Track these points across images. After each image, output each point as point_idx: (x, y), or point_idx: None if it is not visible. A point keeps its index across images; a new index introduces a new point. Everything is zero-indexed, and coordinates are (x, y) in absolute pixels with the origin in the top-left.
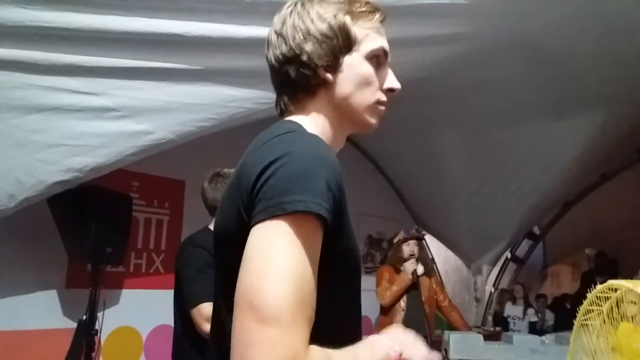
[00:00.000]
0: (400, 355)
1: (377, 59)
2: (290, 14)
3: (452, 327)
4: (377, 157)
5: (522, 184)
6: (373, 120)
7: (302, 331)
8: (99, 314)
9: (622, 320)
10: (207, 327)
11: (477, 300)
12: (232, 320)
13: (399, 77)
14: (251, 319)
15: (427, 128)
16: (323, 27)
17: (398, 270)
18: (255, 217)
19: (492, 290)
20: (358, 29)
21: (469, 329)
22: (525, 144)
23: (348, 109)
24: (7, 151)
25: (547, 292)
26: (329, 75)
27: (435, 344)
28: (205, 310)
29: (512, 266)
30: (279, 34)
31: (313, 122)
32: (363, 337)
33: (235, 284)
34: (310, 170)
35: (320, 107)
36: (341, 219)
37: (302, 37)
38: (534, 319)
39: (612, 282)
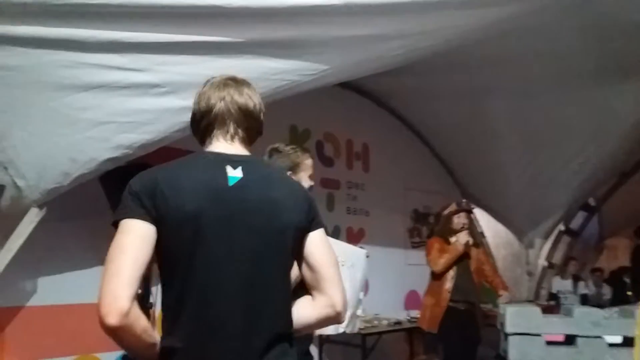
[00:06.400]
0: None
1: None
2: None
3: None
4: (423, 130)
5: (577, 154)
6: None
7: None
8: (153, 288)
9: None
10: None
11: (529, 274)
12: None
13: (444, 43)
14: None
15: (477, 97)
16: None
17: (448, 241)
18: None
19: (545, 264)
20: None
21: (506, 288)
22: (580, 112)
23: None
24: (60, 129)
25: (604, 266)
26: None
27: (488, 317)
28: None
29: (565, 239)
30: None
31: None
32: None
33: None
34: None
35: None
36: None
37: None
38: (585, 291)
39: None
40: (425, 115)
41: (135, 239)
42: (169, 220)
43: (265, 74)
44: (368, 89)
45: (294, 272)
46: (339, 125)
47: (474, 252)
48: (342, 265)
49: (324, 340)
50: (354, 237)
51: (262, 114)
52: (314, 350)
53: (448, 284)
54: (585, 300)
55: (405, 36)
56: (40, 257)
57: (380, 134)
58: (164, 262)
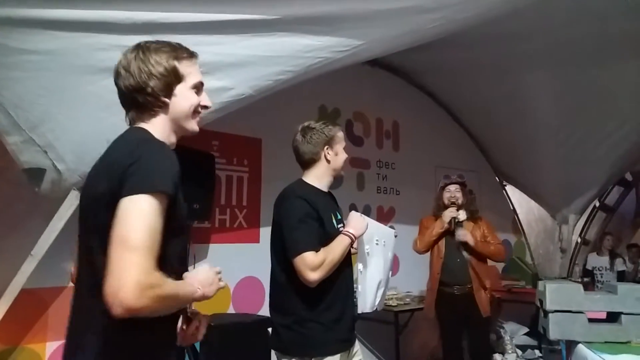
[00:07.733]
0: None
1: (197, 87)
2: (135, 59)
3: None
4: (454, 107)
5: (615, 129)
6: (194, 126)
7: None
8: (190, 268)
9: None
10: (310, 275)
11: (563, 251)
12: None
13: (483, 14)
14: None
15: (510, 71)
16: (160, 69)
17: (438, 218)
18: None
19: (579, 240)
20: (183, 68)
21: (501, 254)
22: (619, 84)
23: (179, 121)
24: (97, 113)
25: None
26: (166, 100)
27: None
28: (308, 259)
29: (600, 215)
30: (127, 70)
31: (156, 130)
32: None
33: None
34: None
35: (159, 120)
36: (175, 199)
37: (146, 76)
38: (623, 268)
39: None
40: (457, 92)
41: None
42: None
43: (298, 52)
44: (397, 66)
45: None
46: (369, 104)
47: (469, 226)
48: (377, 244)
49: (356, 318)
50: (384, 217)
51: (136, 76)
52: None
53: (436, 266)
54: (622, 277)
55: (444, 7)
56: None
57: (410, 112)
58: None
